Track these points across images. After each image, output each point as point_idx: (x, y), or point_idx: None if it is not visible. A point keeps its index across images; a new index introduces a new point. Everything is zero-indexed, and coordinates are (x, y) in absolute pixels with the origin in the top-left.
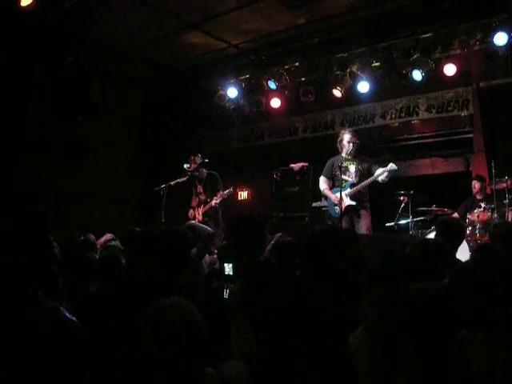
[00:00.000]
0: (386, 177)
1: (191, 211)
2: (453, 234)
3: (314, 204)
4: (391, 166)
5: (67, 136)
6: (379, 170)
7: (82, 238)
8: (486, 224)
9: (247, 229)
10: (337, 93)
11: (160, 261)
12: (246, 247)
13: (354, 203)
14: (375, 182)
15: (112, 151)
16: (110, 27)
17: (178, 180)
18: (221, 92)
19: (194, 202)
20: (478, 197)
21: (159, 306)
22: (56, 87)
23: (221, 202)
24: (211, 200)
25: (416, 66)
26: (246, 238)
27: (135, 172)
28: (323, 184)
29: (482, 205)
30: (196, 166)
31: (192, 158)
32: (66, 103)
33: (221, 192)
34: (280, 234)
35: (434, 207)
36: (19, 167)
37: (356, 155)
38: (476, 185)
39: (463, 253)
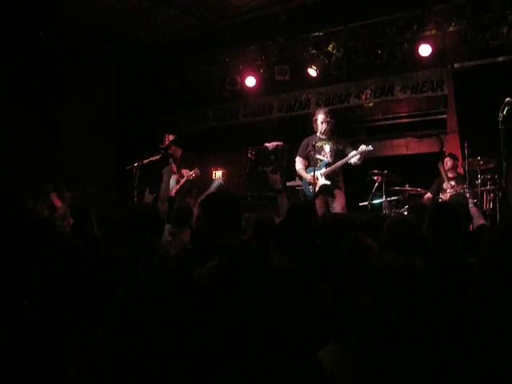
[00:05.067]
0: (359, 159)
1: None
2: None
3: (289, 183)
4: (362, 147)
5: (39, 116)
6: (352, 152)
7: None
8: None
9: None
10: (312, 72)
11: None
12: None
13: (328, 183)
14: (348, 163)
15: (85, 130)
16: (82, 3)
17: (151, 158)
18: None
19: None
20: (450, 174)
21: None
22: (27, 65)
23: (190, 181)
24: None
25: (391, 45)
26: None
27: (109, 151)
28: (299, 164)
29: (452, 183)
30: (168, 143)
31: (166, 136)
32: (37, 82)
33: (190, 172)
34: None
35: (407, 187)
36: None
37: (331, 135)
38: (448, 162)
39: None
